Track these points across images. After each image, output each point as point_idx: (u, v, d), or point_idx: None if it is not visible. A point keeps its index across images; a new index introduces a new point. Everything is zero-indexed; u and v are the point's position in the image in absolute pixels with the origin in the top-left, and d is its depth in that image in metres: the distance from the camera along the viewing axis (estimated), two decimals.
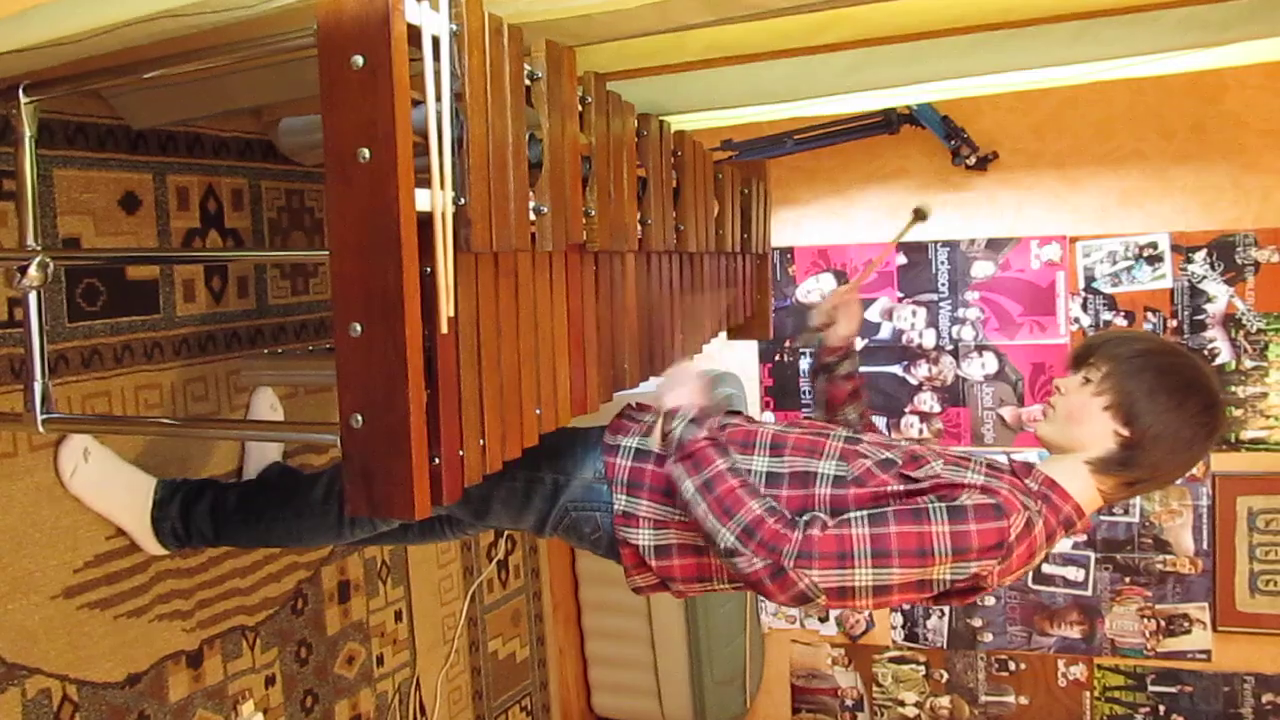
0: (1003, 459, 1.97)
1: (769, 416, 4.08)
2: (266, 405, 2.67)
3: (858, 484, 1.84)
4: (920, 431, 3.99)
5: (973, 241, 3.90)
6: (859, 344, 4.00)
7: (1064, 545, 3.81)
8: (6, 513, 2.12)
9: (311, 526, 2.26)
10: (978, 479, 1.79)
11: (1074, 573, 3.87)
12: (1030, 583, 3.92)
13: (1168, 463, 1.84)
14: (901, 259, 3.97)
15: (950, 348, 3.95)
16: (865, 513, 1.74)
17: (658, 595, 2.08)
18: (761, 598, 1.94)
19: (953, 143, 3.73)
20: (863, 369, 4.02)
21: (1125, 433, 1.81)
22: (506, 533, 3.78)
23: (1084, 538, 3.82)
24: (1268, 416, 3.67)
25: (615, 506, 1.99)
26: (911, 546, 1.69)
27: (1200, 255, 3.69)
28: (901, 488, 1.81)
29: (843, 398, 2.45)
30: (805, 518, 1.75)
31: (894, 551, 1.69)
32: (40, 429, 1.94)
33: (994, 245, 3.88)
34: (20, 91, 1.88)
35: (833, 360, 2.46)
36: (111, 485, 2.29)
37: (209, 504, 2.33)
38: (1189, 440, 1.81)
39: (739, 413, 2.39)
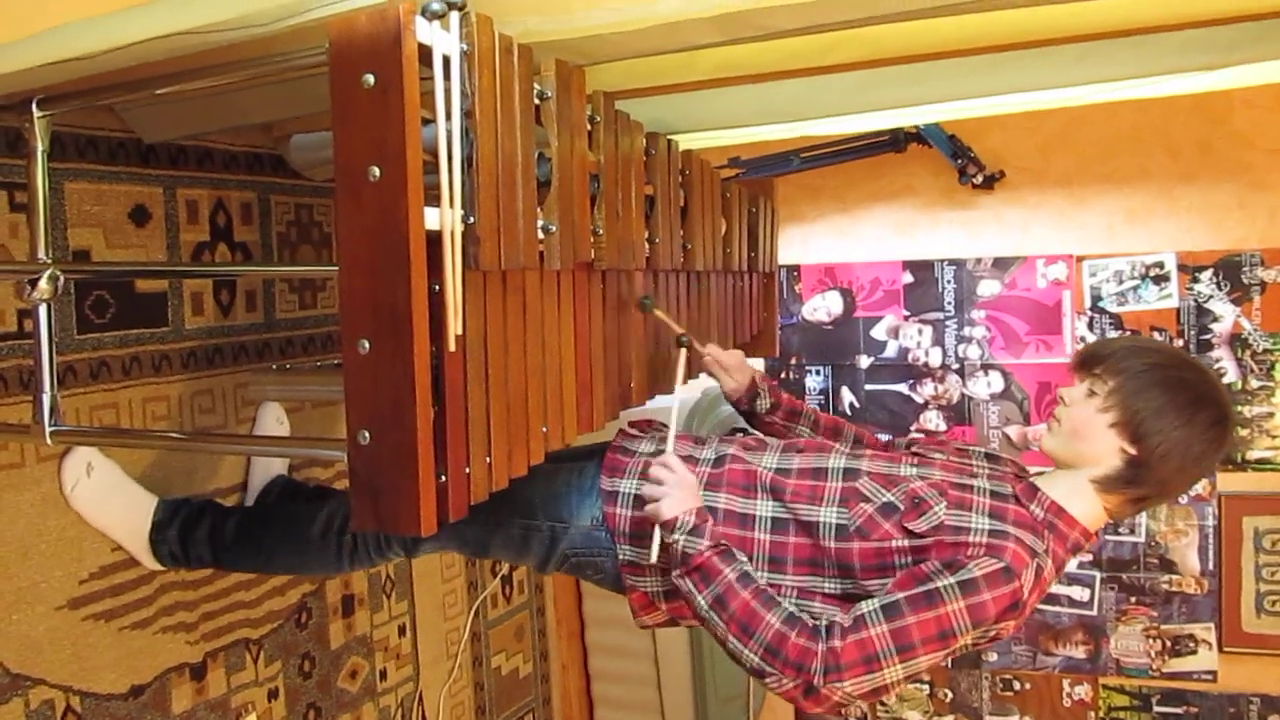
0: (1007, 472, 1.96)
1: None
2: (273, 419, 2.68)
3: (861, 536, 1.82)
4: None
5: (979, 260, 3.90)
6: (864, 362, 4.01)
7: (1069, 565, 3.80)
8: (13, 523, 2.12)
9: (310, 561, 2.26)
10: (982, 525, 1.76)
11: (1079, 592, 3.87)
12: None
13: (1176, 478, 1.83)
14: (909, 277, 3.98)
15: (956, 366, 3.95)
16: (878, 605, 1.70)
17: None
18: None
19: (959, 161, 3.74)
20: (869, 387, 4.06)
21: (1132, 451, 1.78)
22: None
23: (1089, 557, 3.81)
24: (1274, 436, 3.66)
25: (620, 556, 1.99)
26: (932, 633, 1.67)
27: (1206, 275, 3.69)
28: (906, 544, 1.78)
29: (781, 429, 2.35)
30: (824, 624, 1.72)
31: (917, 643, 1.67)
32: (48, 441, 1.95)
33: (1000, 264, 3.88)
34: (34, 105, 1.89)
35: (746, 408, 2.39)
36: (111, 502, 2.28)
37: (207, 530, 2.31)
38: (1198, 456, 1.78)
39: (745, 431, 2.39)
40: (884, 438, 2.30)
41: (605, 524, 2.01)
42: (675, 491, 1.85)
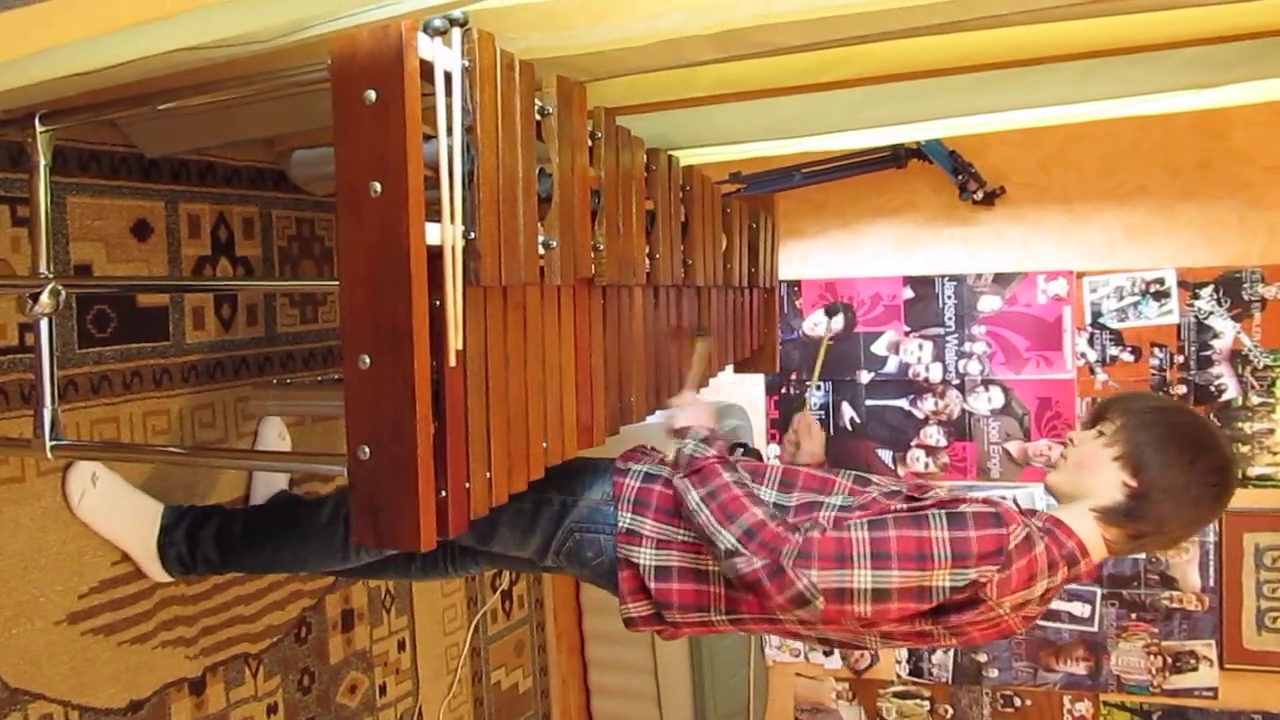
0: (1009, 501, 1.97)
1: (774, 449, 4.08)
2: (275, 434, 2.68)
3: (862, 509, 1.85)
4: (926, 466, 3.98)
5: (979, 276, 3.91)
6: (865, 378, 4.01)
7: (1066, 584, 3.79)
8: (13, 537, 2.12)
9: (317, 550, 2.26)
10: (979, 497, 1.82)
11: (1080, 608, 3.86)
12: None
13: (1174, 519, 1.83)
14: (909, 293, 3.98)
15: (957, 382, 3.95)
16: (866, 519, 1.76)
17: None
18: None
19: (960, 177, 3.75)
20: (869, 402, 4.06)
21: (1133, 483, 1.81)
22: None
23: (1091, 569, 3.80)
24: (1274, 453, 3.66)
25: (619, 524, 1.99)
26: (911, 550, 1.69)
27: (1207, 291, 3.69)
28: (905, 506, 1.82)
29: None
30: (806, 523, 1.78)
31: (893, 554, 1.69)
32: (49, 455, 1.94)
33: (1001, 280, 3.88)
34: (36, 120, 1.89)
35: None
36: (118, 511, 2.30)
37: (215, 529, 2.33)
38: (1196, 499, 1.80)
39: (744, 445, 2.40)
40: None
41: (612, 495, 2.03)
42: (695, 409, 2.02)
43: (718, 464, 1.85)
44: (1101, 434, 1.89)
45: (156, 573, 2.36)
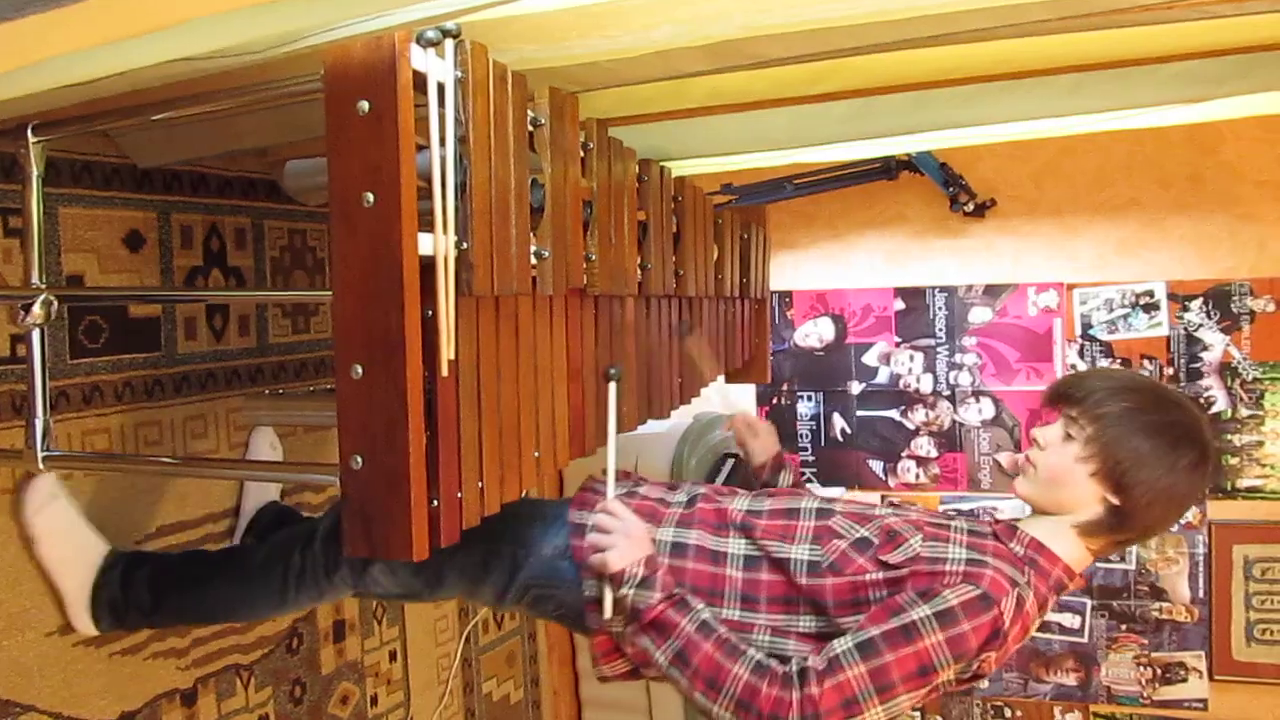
0: (985, 520, 1.90)
1: None
2: (266, 444, 2.67)
3: (834, 571, 1.75)
4: (917, 477, 3.99)
5: (970, 288, 3.92)
6: (856, 388, 4.02)
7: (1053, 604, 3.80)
8: (4, 549, 2.11)
9: (253, 592, 2.13)
10: (959, 555, 1.71)
11: (1070, 619, 3.86)
12: None
13: (1160, 521, 1.79)
14: (900, 303, 3.99)
15: (947, 393, 3.96)
16: (853, 643, 1.64)
17: None
18: None
19: (951, 189, 3.76)
20: (860, 413, 4.07)
21: (1115, 501, 1.73)
22: None
23: (1080, 582, 3.81)
24: (1264, 465, 3.67)
25: (586, 592, 1.89)
26: (912, 669, 1.61)
27: (1196, 304, 3.71)
28: (881, 576, 1.72)
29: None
30: (795, 669, 1.65)
31: (896, 681, 1.60)
32: (40, 466, 1.94)
33: (991, 291, 3.89)
34: (29, 131, 1.89)
35: (767, 479, 2.34)
36: (65, 540, 2.17)
37: (150, 570, 2.20)
38: (1182, 496, 1.75)
39: (735, 455, 2.39)
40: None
41: (570, 555, 1.92)
42: (621, 541, 1.78)
43: (668, 609, 1.71)
44: (1070, 438, 1.77)
45: (83, 620, 2.19)
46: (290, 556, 2.07)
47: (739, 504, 1.95)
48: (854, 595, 1.72)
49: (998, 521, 1.86)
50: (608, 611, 1.78)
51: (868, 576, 1.72)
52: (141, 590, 2.17)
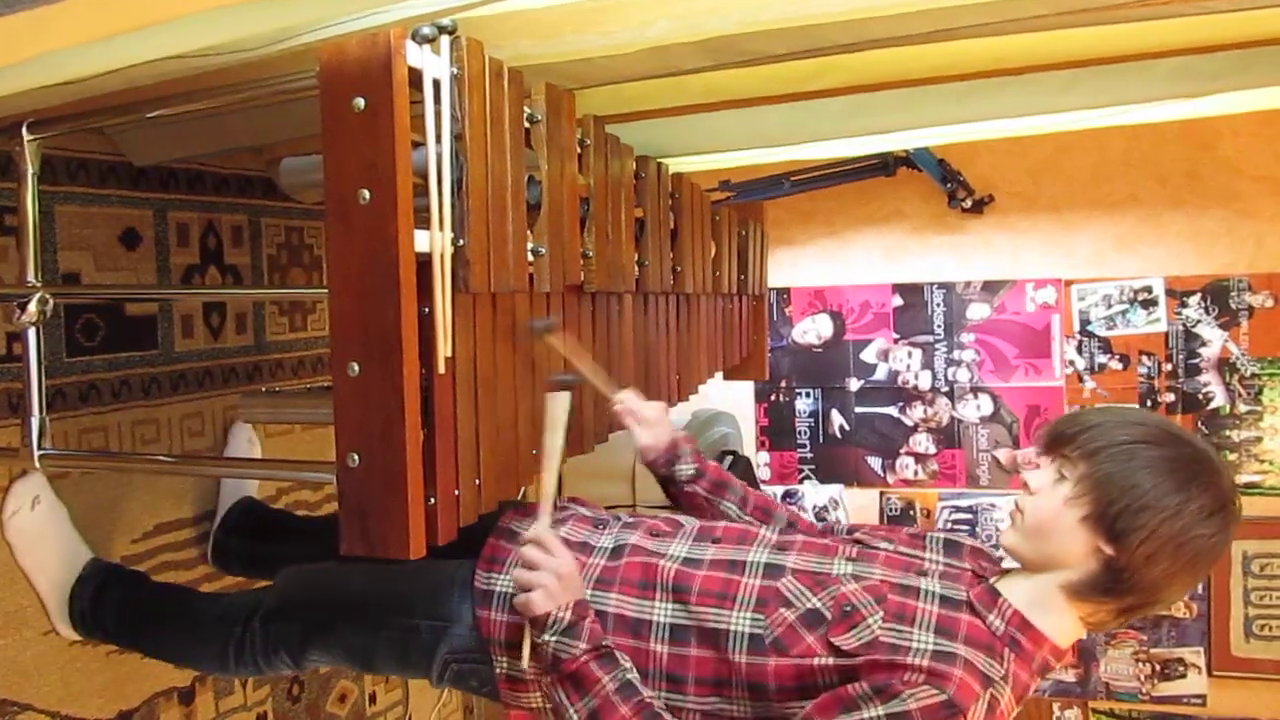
0: (964, 571, 1.63)
1: (764, 456, 4.08)
2: (244, 440, 2.65)
3: (778, 650, 1.51)
4: (915, 473, 3.99)
5: (968, 284, 3.92)
6: (854, 385, 4.02)
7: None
8: (0, 548, 2.11)
9: (196, 644, 2.03)
10: (924, 642, 1.44)
11: None
12: None
13: (1168, 583, 1.47)
14: (898, 300, 3.99)
15: (946, 389, 3.96)
16: None
17: None
18: None
19: (949, 186, 3.76)
20: (858, 410, 4.07)
21: (1109, 552, 1.45)
22: None
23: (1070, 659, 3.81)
24: (1262, 461, 3.67)
25: (497, 669, 1.68)
26: None
27: (1194, 300, 3.71)
28: (831, 662, 1.47)
29: (703, 502, 1.95)
30: None
31: None
32: (37, 464, 1.94)
33: (989, 288, 3.89)
34: (24, 129, 1.89)
35: (664, 473, 1.98)
36: (47, 544, 2.16)
37: (120, 594, 2.17)
38: (1193, 556, 1.44)
39: (733, 452, 2.38)
40: (820, 524, 1.95)
41: (479, 629, 1.70)
42: (549, 580, 1.55)
43: (590, 662, 1.50)
44: (1062, 478, 1.51)
45: (64, 625, 2.18)
46: (235, 625, 1.96)
47: (675, 551, 1.70)
48: (799, 681, 1.49)
49: (977, 579, 1.60)
50: (525, 660, 1.59)
51: (815, 661, 1.48)
52: (108, 614, 2.16)
